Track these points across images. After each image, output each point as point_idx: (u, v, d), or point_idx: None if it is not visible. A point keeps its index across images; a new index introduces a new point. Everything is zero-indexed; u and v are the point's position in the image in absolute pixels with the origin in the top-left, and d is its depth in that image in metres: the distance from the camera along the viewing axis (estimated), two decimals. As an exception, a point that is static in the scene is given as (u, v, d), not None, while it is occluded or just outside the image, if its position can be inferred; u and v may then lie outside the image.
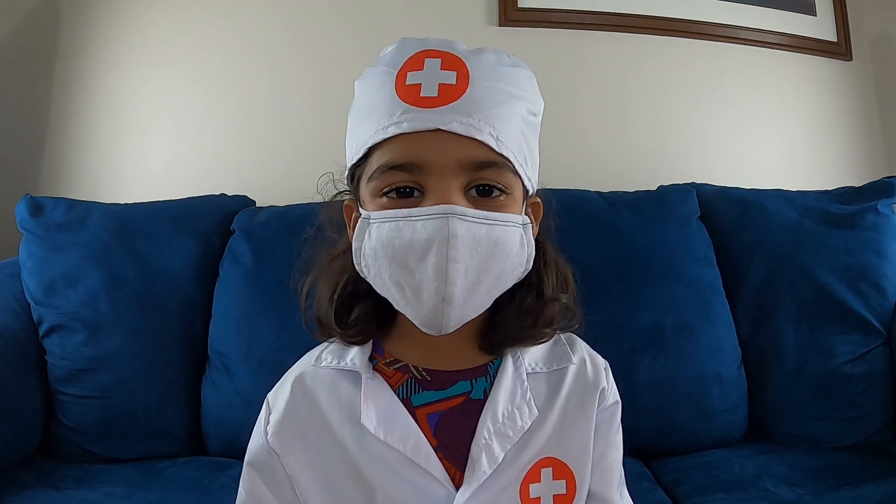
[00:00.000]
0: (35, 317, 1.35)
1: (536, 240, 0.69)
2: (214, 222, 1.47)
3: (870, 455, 1.27)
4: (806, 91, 1.85)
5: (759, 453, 1.30)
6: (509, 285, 0.65)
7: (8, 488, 1.16)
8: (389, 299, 0.65)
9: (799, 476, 1.20)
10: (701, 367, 1.33)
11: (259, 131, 1.75)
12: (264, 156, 1.73)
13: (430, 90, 0.60)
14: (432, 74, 0.61)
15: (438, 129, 0.59)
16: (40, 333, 1.34)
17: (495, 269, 0.62)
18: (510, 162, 0.62)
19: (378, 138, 0.61)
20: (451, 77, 0.60)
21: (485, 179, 0.61)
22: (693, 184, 1.53)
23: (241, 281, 1.38)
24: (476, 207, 0.60)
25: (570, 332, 0.74)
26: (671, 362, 1.32)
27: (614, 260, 1.37)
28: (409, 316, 0.64)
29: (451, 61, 0.62)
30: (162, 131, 1.75)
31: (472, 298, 0.61)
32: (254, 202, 1.57)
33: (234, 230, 1.45)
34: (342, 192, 0.70)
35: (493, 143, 0.60)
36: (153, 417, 1.32)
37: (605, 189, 1.50)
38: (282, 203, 1.50)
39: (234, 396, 1.32)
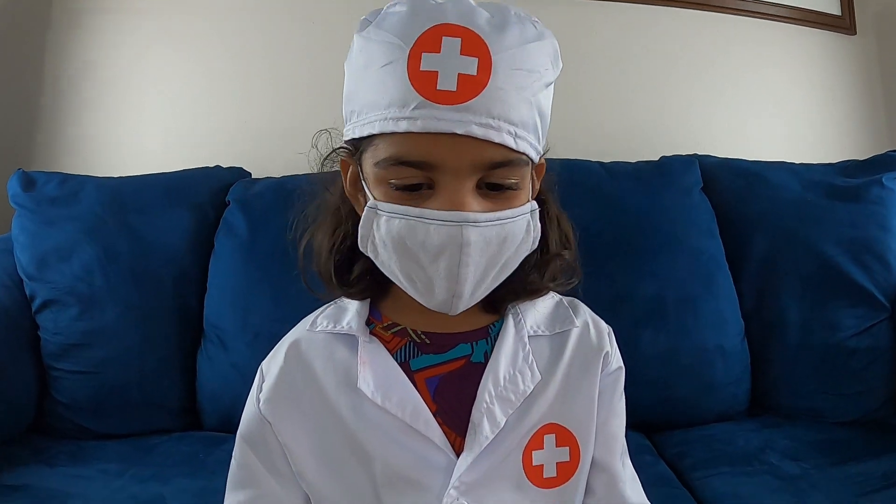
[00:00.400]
0: (28, 292, 1.33)
1: (539, 195, 0.67)
2: (209, 194, 1.45)
3: (874, 430, 1.26)
4: (810, 65, 1.83)
5: (763, 427, 1.29)
6: (516, 266, 0.63)
7: (1, 465, 1.15)
8: (396, 282, 0.63)
9: (803, 450, 1.19)
10: (704, 339, 1.32)
11: (255, 102, 1.72)
12: (260, 127, 1.71)
13: (447, 82, 0.54)
14: (451, 61, 0.54)
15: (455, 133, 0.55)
16: (33, 309, 1.33)
17: (502, 260, 0.60)
18: (526, 155, 0.59)
19: (387, 128, 0.56)
20: (471, 66, 0.54)
21: (499, 178, 0.58)
22: (695, 155, 1.51)
23: (236, 253, 1.37)
24: (487, 202, 0.58)
25: (571, 287, 0.72)
26: (673, 335, 1.31)
27: (615, 231, 1.35)
28: (416, 299, 0.62)
29: (472, 43, 0.55)
30: (157, 104, 1.72)
31: (479, 289, 0.61)
32: (249, 174, 1.56)
33: (228, 202, 1.43)
34: (339, 148, 0.67)
35: (511, 143, 0.56)
36: (147, 392, 1.31)
37: (606, 159, 1.48)
38: (277, 174, 1.48)
39: (229, 370, 1.31)
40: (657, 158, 1.51)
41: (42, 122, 1.73)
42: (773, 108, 1.80)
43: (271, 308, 1.30)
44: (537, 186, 0.66)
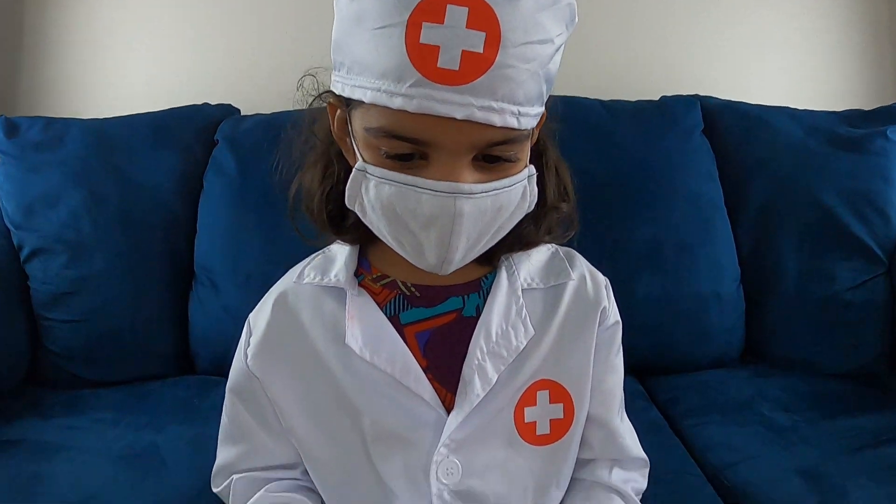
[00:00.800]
0: (15, 241, 1.32)
1: (538, 142, 0.63)
2: (197, 133, 1.41)
3: (866, 384, 1.26)
4: (817, 8, 1.77)
5: (756, 376, 1.30)
6: (510, 229, 0.61)
7: None
8: (384, 241, 0.60)
9: (794, 402, 1.19)
10: (700, 285, 1.31)
11: (243, 36, 1.66)
12: (248, 62, 1.65)
13: (450, 60, 0.49)
14: (455, 35, 0.48)
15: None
16: (21, 258, 1.31)
17: (495, 227, 0.58)
18: (529, 129, 0.55)
19: (380, 101, 0.51)
20: (477, 42, 0.49)
21: (497, 153, 0.55)
22: (697, 96, 1.47)
23: (225, 193, 1.35)
24: (482, 174, 0.55)
25: (567, 238, 0.70)
26: (670, 280, 1.30)
27: (613, 171, 1.33)
28: (405, 258, 0.60)
29: (480, 14, 0.49)
30: (141, 40, 1.66)
31: (471, 253, 0.58)
32: (238, 110, 1.52)
33: (217, 140, 1.40)
34: (326, 92, 0.63)
35: (513, 124, 0.52)
36: (140, 338, 1.31)
37: (605, 96, 1.45)
38: (267, 111, 1.45)
39: (221, 313, 1.31)
40: (657, 97, 1.47)
41: (24, 65, 1.67)
42: (776, 50, 1.74)
43: (262, 248, 1.28)
44: (536, 135, 0.63)
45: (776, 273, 1.34)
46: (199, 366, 1.35)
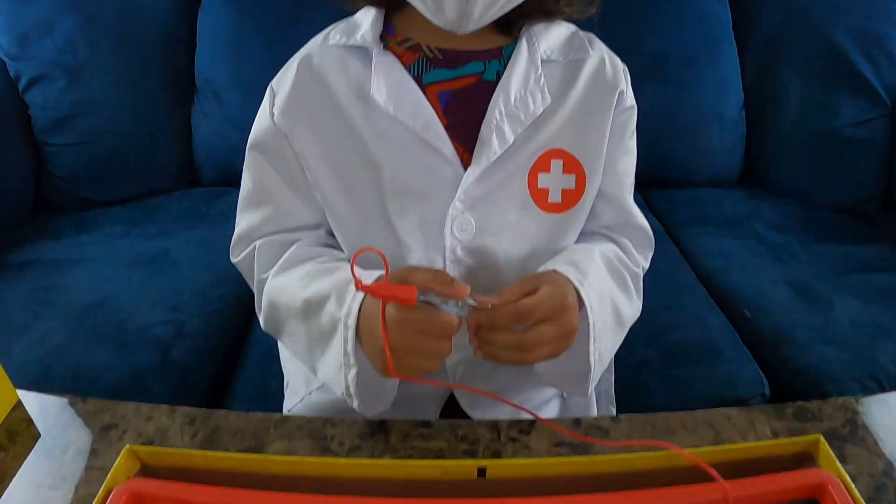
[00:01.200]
0: (12, 73, 1.30)
1: None
2: (192, -55, 1.38)
3: (858, 220, 1.30)
4: None
5: (751, 198, 1.33)
6: None
7: (7, 247, 1.18)
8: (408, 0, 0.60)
9: (788, 224, 1.23)
10: (703, 103, 1.33)
11: None
12: None
13: None
14: None
15: None
16: (20, 89, 1.30)
17: None
18: None
19: None
20: None
21: None
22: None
23: (225, 4, 1.32)
24: None
25: (587, 15, 0.69)
26: (673, 94, 1.31)
27: None
28: (425, 15, 0.59)
29: None
30: None
31: (489, 13, 0.58)
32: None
33: (214, -50, 1.37)
34: None
35: None
36: (144, 155, 1.32)
37: None
38: None
39: (225, 123, 1.32)
40: None
41: None
42: None
43: (264, 57, 1.27)
44: None
45: (779, 101, 1.35)
46: (203, 178, 1.37)
